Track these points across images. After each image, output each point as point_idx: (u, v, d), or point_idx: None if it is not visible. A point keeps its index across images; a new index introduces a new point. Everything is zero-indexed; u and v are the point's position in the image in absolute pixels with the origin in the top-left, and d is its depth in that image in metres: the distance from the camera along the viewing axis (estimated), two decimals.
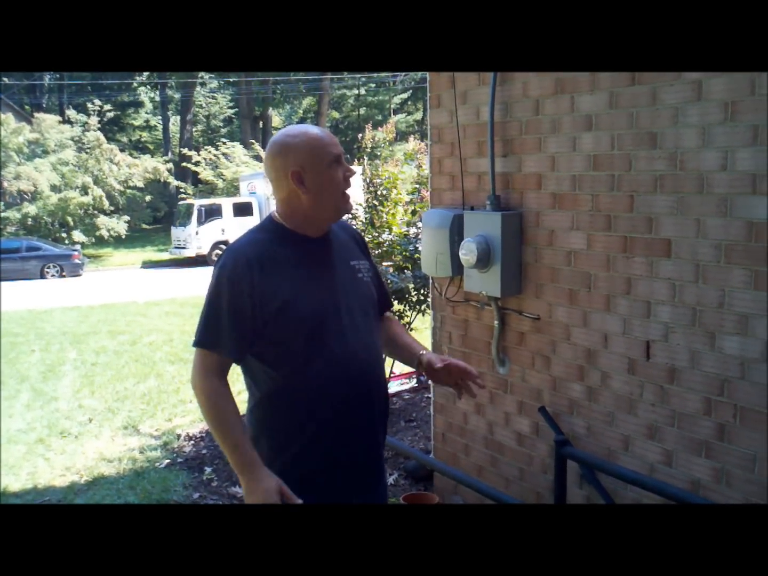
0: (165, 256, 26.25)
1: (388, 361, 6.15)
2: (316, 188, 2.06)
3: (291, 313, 2.03)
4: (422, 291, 5.76)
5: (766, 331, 2.51)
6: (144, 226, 31.21)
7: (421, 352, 2.27)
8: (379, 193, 6.48)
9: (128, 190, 28.61)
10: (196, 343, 2.06)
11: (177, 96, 38.50)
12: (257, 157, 28.39)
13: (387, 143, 7.56)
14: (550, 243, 3.29)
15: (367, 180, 6.64)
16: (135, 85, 39.04)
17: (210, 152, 29.54)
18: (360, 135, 7.56)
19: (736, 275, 2.58)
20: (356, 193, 6.71)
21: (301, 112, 42.94)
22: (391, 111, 37.89)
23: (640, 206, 2.89)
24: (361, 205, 6.58)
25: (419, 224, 5.93)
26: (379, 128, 8.09)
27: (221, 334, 2.02)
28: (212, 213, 24.47)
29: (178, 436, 6.00)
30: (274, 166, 2.09)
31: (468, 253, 3.42)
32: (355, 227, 3.35)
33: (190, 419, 6.36)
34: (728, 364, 2.63)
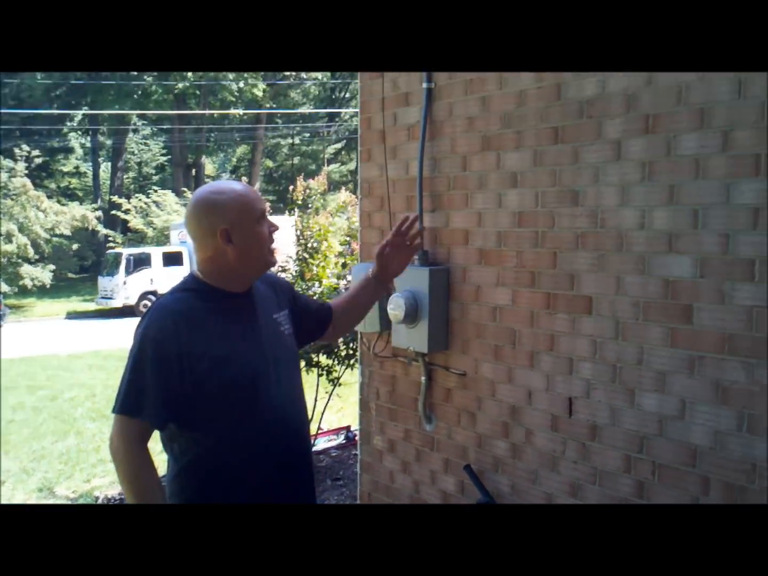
0: (91, 306, 25.54)
1: (316, 417, 6.07)
2: (244, 245, 2.03)
3: (221, 373, 1.96)
4: (351, 345, 5.72)
5: (682, 388, 2.56)
6: (70, 275, 30.37)
7: (368, 273, 2.45)
8: (309, 245, 6.47)
9: (54, 238, 27.84)
10: (117, 410, 1.95)
11: (109, 142, 38.04)
12: None
13: (318, 195, 7.58)
14: (476, 298, 3.30)
15: (298, 232, 6.63)
16: (65, 130, 38.46)
17: (140, 200, 29.17)
18: (291, 187, 7.57)
19: (653, 332, 2.63)
20: (286, 245, 6.68)
21: (235, 160, 42.92)
22: (325, 161, 38.19)
23: (562, 263, 2.93)
24: (291, 257, 6.56)
25: (349, 277, 5.92)
26: (311, 179, 8.12)
27: (145, 399, 1.92)
28: (141, 262, 24.02)
29: (96, 498, 5.75)
30: (200, 225, 2.04)
31: (396, 308, 3.41)
32: (282, 277, 3.33)
33: (109, 480, 6.12)
34: (647, 421, 2.66)
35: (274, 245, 2.14)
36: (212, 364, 1.96)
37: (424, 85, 3.46)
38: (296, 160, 40.05)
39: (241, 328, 2.07)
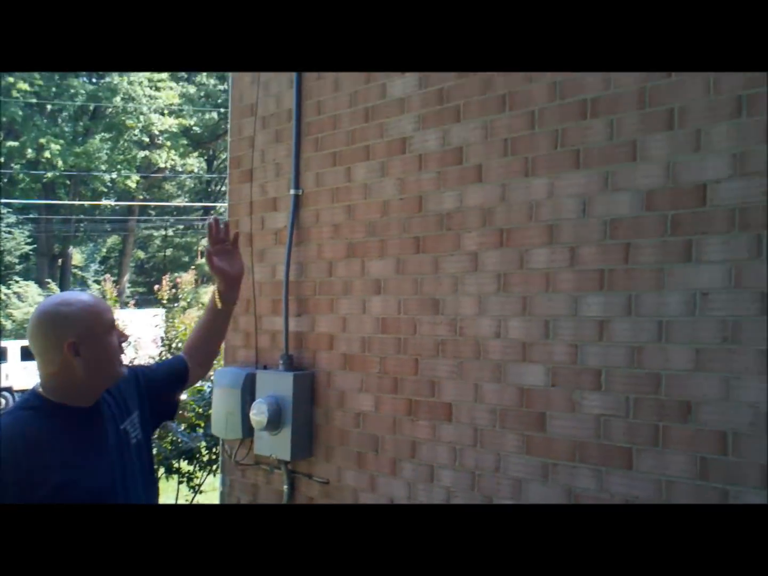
0: None
1: None
2: (93, 357, 1.93)
3: (64, 499, 1.83)
4: (214, 450, 5.52)
5: (537, 495, 2.60)
6: None
7: (213, 293, 2.38)
8: (173, 346, 6.27)
9: None
10: None
11: None
12: None
13: (186, 292, 7.43)
14: (340, 404, 3.29)
15: (162, 332, 6.43)
16: None
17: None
18: (156, 286, 7.38)
19: (509, 440, 2.69)
20: (150, 345, 6.46)
21: (105, 250, 41.59)
22: (199, 253, 37.64)
23: (424, 369, 2.98)
24: (154, 358, 6.33)
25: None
26: (184, 272, 7.97)
27: None
28: None
29: None
30: (46, 338, 1.92)
31: (259, 413, 3.34)
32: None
33: None
34: None
35: (123, 356, 2.08)
36: (54, 491, 1.83)
37: (292, 191, 3.51)
38: (169, 251, 39.32)
39: (87, 447, 1.96)
